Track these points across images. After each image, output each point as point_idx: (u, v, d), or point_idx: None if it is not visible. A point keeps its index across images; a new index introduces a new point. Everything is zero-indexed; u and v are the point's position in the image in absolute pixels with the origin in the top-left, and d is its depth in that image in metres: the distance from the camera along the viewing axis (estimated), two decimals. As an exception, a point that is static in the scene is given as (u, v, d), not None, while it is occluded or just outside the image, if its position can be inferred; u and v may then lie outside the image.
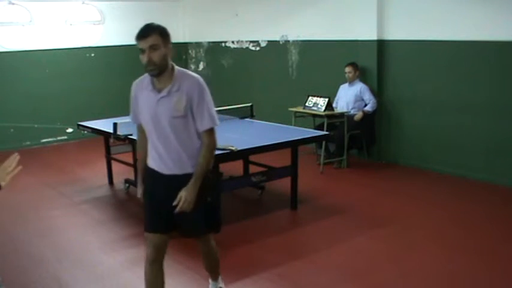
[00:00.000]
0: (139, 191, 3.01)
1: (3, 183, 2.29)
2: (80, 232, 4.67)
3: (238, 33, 8.73)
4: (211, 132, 2.79)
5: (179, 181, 2.75)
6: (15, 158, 2.34)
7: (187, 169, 2.77)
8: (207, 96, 2.74)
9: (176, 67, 2.75)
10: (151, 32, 2.62)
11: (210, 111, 2.74)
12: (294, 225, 4.95)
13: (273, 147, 4.73)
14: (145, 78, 2.78)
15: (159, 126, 2.72)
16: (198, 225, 2.90)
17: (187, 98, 2.67)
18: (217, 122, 2.80)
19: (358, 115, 6.58)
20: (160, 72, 2.66)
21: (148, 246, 2.91)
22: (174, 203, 2.72)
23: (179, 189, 2.74)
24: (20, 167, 2.37)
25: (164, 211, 2.80)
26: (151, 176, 2.87)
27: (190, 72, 2.77)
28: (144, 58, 2.63)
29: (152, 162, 2.85)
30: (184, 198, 2.71)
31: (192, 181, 2.73)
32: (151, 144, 2.81)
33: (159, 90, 2.70)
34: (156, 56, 2.61)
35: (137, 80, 2.86)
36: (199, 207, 2.78)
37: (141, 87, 2.79)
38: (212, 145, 2.80)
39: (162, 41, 2.64)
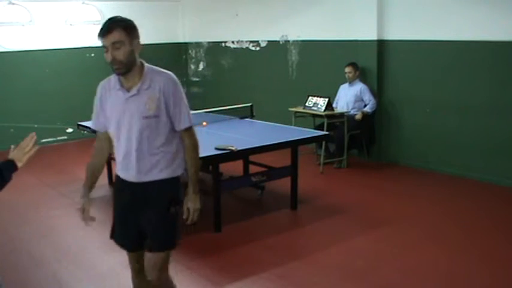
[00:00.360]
0: (85, 204, 2.65)
1: (20, 164, 2.27)
2: (80, 232, 4.66)
3: (238, 33, 8.72)
4: (191, 131, 2.57)
5: (153, 189, 2.52)
6: (32, 138, 2.31)
7: (161, 175, 2.52)
8: (182, 93, 2.53)
9: (146, 64, 2.51)
10: (113, 27, 2.37)
11: (188, 109, 2.55)
12: (294, 225, 4.95)
13: (273, 147, 4.73)
14: (113, 77, 2.53)
15: (128, 129, 2.47)
16: (159, 236, 2.57)
17: (161, 96, 2.44)
18: (193, 120, 2.61)
19: (358, 115, 6.58)
20: (127, 70, 2.42)
21: (129, 262, 2.76)
22: (184, 217, 2.59)
23: (152, 197, 2.53)
24: (37, 147, 2.34)
25: (133, 224, 2.59)
26: (120, 187, 2.63)
27: (161, 69, 2.53)
28: (107, 56, 2.38)
29: (121, 171, 2.59)
30: (192, 209, 2.59)
31: (190, 190, 2.58)
32: (120, 151, 2.54)
33: (128, 89, 2.46)
34: (120, 54, 2.37)
35: (104, 80, 2.60)
36: (163, 215, 2.55)
37: (108, 87, 2.54)
38: (196, 144, 2.59)
39: (127, 37, 2.39)
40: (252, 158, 5.57)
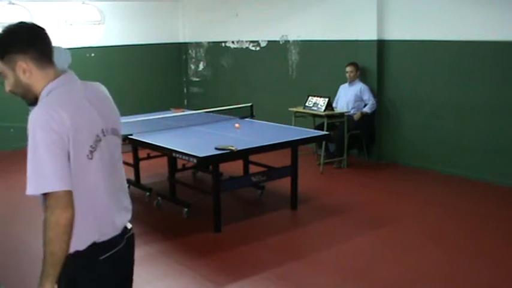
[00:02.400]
0: None
1: None
2: (80, 232, 4.67)
3: (238, 33, 8.72)
4: (48, 199, 1.77)
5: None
6: None
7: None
8: (36, 140, 1.69)
9: (46, 92, 1.80)
10: None
11: (39, 168, 1.71)
12: (294, 225, 4.95)
13: (273, 147, 4.73)
14: None
15: None
16: None
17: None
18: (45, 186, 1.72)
19: (356, 115, 6.59)
20: (31, 102, 1.85)
21: None
22: None
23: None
24: None
25: None
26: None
27: (47, 99, 1.77)
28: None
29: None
30: None
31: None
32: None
33: None
34: (7, 86, 1.83)
35: None
36: None
37: None
38: (48, 220, 1.82)
39: (5, 65, 1.79)
40: (252, 158, 5.57)
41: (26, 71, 1.78)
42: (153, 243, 4.34)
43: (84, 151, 1.77)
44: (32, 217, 5.09)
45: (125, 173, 2.05)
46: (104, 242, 1.87)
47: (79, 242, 1.83)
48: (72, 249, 1.82)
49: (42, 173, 1.69)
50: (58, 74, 1.84)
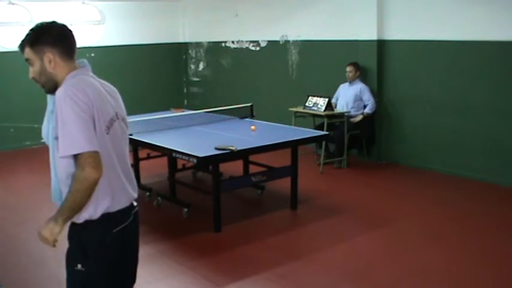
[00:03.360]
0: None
1: None
2: (80, 232, 4.67)
3: (238, 33, 8.72)
4: (79, 160, 1.94)
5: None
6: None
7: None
8: (68, 111, 1.92)
9: (72, 76, 2.07)
10: (22, 44, 2.07)
11: (71, 133, 1.92)
12: (294, 225, 4.95)
13: (273, 147, 4.73)
14: None
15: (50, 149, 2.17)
16: None
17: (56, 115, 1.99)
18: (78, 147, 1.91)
19: (358, 118, 6.59)
20: (49, 90, 2.10)
21: None
22: None
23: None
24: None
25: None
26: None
27: (73, 81, 2.02)
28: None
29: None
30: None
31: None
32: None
33: None
34: (31, 73, 2.09)
35: None
36: (68, 276, 2.18)
37: None
38: (80, 177, 1.95)
39: (34, 54, 2.05)
40: (252, 158, 5.57)
41: (51, 61, 2.04)
42: (153, 243, 4.34)
43: (104, 124, 2.01)
44: (32, 217, 5.09)
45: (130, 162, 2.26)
46: (115, 212, 2.08)
47: (95, 209, 2.03)
48: (86, 218, 2.04)
49: (72, 136, 1.90)
50: (78, 66, 2.13)
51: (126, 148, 2.22)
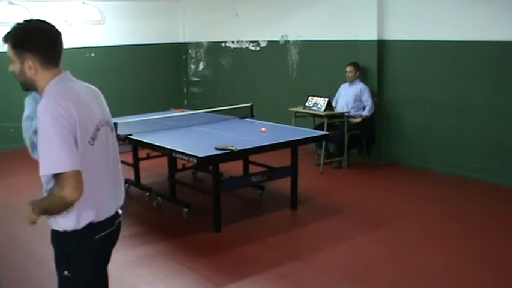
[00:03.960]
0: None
1: None
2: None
3: (238, 33, 8.72)
4: (58, 179, 1.90)
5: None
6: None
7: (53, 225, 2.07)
8: (46, 125, 1.85)
9: (52, 86, 1.98)
10: (4, 39, 1.97)
11: (51, 150, 1.86)
12: (294, 225, 4.95)
13: (273, 147, 4.73)
14: None
15: None
16: None
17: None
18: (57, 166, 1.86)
19: (357, 120, 6.60)
20: (27, 89, 2.06)
21: None
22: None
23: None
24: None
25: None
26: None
27: (52, 91, 1.95)
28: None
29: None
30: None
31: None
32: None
33: None
34: (11, 67, 2.00)
35: None
36: (58, 280, 2.12)
37: None
38: (56, 195, 1.91)
39: (15, 55, 1.96)
40: (252, 158, 5.57)
41: (31, 68, 1.96)
42: (153, 243, 4.34)
43: (87, 138, 1.94)
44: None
45: (120, 165, 2.22)
46: (99, 223, 2.04)
47: (77, 221, 1.98)
48: (70, 227, 1.99)
49: (53, 155, 1.84)
50: (60, 71, 2.04)
51: (114, 151, 2.17)
